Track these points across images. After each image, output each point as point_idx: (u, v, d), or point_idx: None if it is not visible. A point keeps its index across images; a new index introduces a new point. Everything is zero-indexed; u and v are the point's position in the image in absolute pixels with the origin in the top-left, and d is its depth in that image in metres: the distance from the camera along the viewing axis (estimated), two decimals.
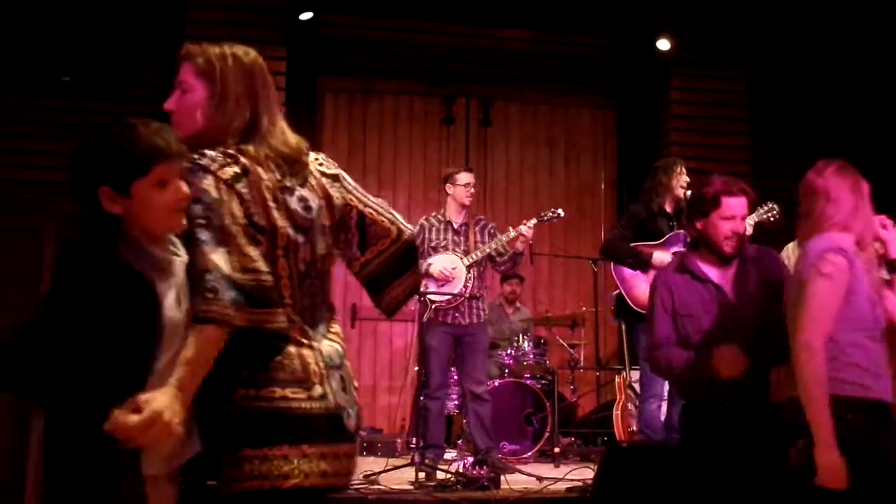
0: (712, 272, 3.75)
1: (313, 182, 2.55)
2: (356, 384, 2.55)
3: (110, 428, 2.01)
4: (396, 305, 2.79)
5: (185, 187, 2.25)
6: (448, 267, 6.00)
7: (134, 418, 2.04)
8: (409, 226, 2.75)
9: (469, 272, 6.02)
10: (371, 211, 2.67)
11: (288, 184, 2.45)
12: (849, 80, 9.18)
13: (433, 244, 6.13)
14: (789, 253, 7.01)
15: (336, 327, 2.58)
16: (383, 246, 2.68)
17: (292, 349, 2.35)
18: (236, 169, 2.36)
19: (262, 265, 2.28)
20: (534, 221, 6.07)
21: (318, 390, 2.36)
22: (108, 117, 2.62)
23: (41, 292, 7.56)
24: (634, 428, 6.57)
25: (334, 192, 2.60)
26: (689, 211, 3.88)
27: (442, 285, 5.98)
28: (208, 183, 2.29)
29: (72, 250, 2.11)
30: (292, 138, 2.53)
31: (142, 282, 2.17)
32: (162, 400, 2.09)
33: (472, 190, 6.21)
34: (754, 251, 3.84)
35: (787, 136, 9.31)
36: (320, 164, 2.64)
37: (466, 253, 6.07)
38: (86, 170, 2.14)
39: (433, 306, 5.97)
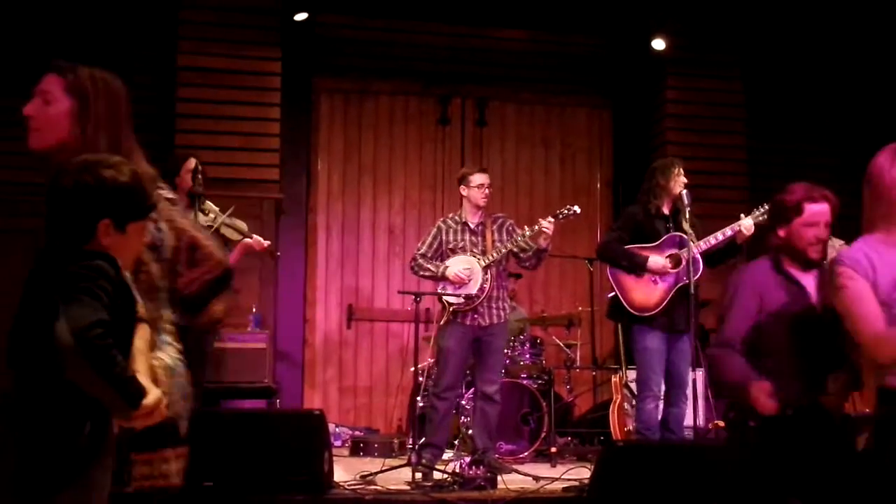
0: (800, 276, 3.80)
1: (161, 206, 2.75)
2: (190, 389, 2.79)
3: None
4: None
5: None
6: (463, 269, 5.96)
7: (148, 401, 2.26)
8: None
9: (486, 273, 5.97)
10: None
11: None
12: (845, 79, 9.20)
13: (451, 246, 6.09)
14: None
15: (172, 338, 2.81)
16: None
17: None
18: None
19: None
20: (550, 219, 6.01)
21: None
22: None
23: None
24: (631, 427, 6.58)
25: (175, 217, 2.85)
26: (771, 218, 3.92)
27: (459, 287, 5.95)
28: None
29: (91, 265, 2.28)
30: (148, 167, 2.72)
31: (130, 290, 2.40)
32: (152, 385, 2.34)
33: (488, 191, 6.13)
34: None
35: (783, 136, 9.32)
36: (164, 191, 2.86)
37: (484, 253, 6.03)
38: (99, 201, 2.31)
39: (451, 308, 5.95)
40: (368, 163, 9.03)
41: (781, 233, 3.79)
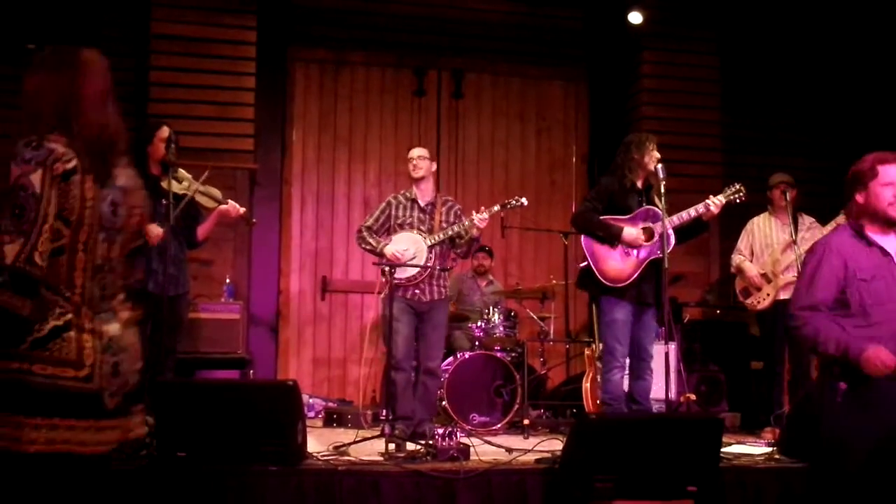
0: (881, 240, 3.94)
1: (124, 183, 2.87)
2: (139, 365, 2.91)
3: None
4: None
5: None
6: (401, 249, 5.99)
7: None
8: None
9: (430, 251, 6.03)
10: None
11: (103, 186, 2.79)
12: (820, 58, 9.23)
13: (399, 221, 6.14)
14: (753, 227, 7.07)
15: (126, 313, 2.92)
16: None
17: (72, 334, 2.71)
18: (69, 166, 2.69)
19: (41, 260, 2.64)
20: (496, 208, 6.08)
21: (85, 372, 2.70)
22: None
23: None
24: None
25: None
26: (847, 189, 4.01)
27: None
28: (37, 176, 2.63)
29: None
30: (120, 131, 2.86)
31: None
32: None
33: (416, 163, 6.17)
34: None
35: (758, 112, 9.36)
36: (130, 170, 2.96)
37: (431, 232, 6.07)
38: None
39: (394, 281, 5.97)
40: (344, 134, 8.98)
41: (860, 198, 3.95)
